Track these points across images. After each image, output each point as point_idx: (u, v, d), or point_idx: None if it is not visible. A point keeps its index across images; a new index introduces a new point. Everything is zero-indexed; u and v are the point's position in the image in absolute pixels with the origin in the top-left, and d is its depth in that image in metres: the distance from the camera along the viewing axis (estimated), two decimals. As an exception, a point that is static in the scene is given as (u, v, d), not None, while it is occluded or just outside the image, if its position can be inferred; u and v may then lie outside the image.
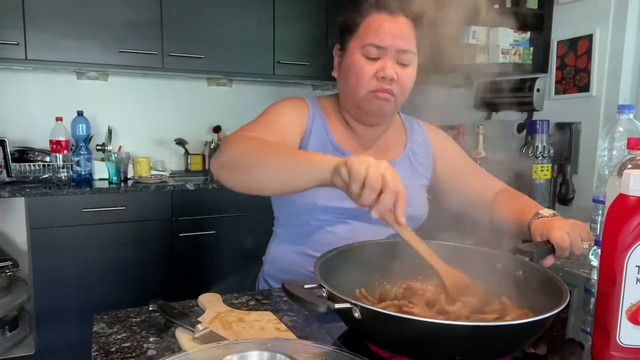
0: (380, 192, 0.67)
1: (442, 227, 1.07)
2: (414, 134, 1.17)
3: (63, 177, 2.31)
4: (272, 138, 0.93)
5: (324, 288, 0.63)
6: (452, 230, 1.06)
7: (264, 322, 0.73)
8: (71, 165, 2.32)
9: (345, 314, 0.60)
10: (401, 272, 0.81)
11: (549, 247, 0.82)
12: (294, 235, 1.06)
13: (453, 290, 0.73)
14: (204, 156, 2.89)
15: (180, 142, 2.85)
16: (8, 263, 2.07)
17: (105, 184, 2.33)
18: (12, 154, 2.32)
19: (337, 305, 0.58)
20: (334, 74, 1.08)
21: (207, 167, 2.82)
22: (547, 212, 0.93)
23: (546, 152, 2.07)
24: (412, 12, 0.98)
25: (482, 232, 1.09)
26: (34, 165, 2.39)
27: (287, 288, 0.60)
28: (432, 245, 0.79)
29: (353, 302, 0.58)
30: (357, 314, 0.57)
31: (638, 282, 0.57)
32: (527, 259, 0.78)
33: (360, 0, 1.00)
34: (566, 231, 0.82)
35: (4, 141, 2.26)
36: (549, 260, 0.82)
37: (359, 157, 0.70)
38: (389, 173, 0.68)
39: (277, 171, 0.83)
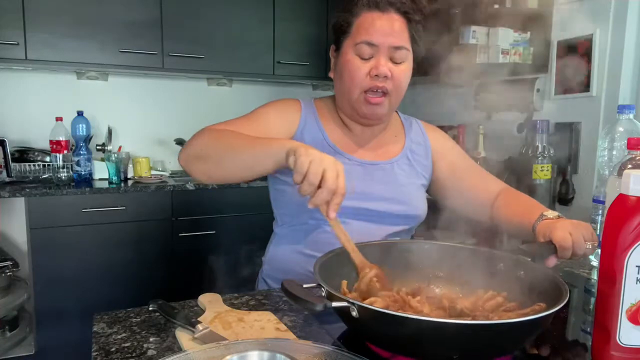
0: (319, 187, 0.72)
1: (442, 227, 1.08)
2: (413, 133, 1.16)
3: (63, 177, 2.31)
4: (248, 131, 0.95)
5: (323, 287, 0.63)
6: (452, 230, 1.06)
7: (264, 322, 0.73)
8: (71, 165, 2.32)
9: (344, 313, 0.60)
10: (401, 272, 0.81)
11: (552, 248, 0.81)
12: (293, 235, 1.06)
13: (365, 283, 0.77)
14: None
15: (180, 142, 2.84)
16: (8, 263, 2.07)
17: (105, 184, 2.33)
18: (12, 154, 2.32)
19: (334, 304, 0.58)
20: (331, 74, 1.09)
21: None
22: (551, 213, 0.92)
23: (546, 152, 2.07)
24: (404, 8, 0.98)
25: (483, 232, 1.09)
26: (34, 165, 2.39)
27: (286, 287, 0.60)
28: (432, 245, 0.80)
29: (351, 300, 0.58)
30: (354, 313, 0.57)
31: (638, 282, 0.57)
32: (529, 259, 0.77)
33: (352, 0, 1.00)
34: (568, 231, 0.81)
35: (4, 141, 2.26)
36: (552, 261, 0.81)
37: (307, 149, 0.75)
38: (330, 170, 0.72)
39: (235, 158, 0.87)
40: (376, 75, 0.96)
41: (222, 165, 0.89)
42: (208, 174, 0.92)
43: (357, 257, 0.79)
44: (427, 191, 1.18)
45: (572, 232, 0.82)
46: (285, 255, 1.07)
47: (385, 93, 0.99)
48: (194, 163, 0.93)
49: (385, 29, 0.96)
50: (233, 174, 0.90)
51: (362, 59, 0.98)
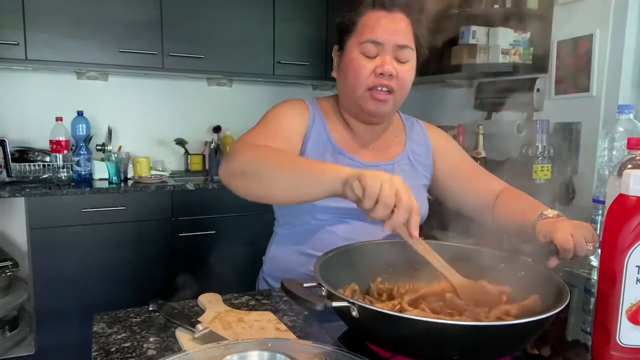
0: (393, 208, 0.68)
1: (443, 227, 1.07)
2: (414, 133, 1.16)
3: (63, 177, 2.31)
4: (278, 143, 0.94)
5: (323, 287, 0.63)
6: (452, 230, 1.06)
7: (264, 322, 0.73)
8: (71, 165, 2.32)
9: (344, 313, 0.60)
10: (401, 272, 0.81)
11: (553, 249, 0.81)
12: (294, 235, 1.06)
13: (468, 301, 0.73)
14: (204, 156, 2.90)
15: (180, 142, 2.85)
16: (8, 263, 2.07)
17: (105, 184, 2.33)
18: (12, 154, 2.32)
19: (334, 304, 0.58)
20: (334, 74, 1.09)
21: (207, 167, 2.82)
22: (551, 212, 0.92)
23: (546, 152, 2.07)
24: (409, 9, 0.98)
25: (483, 232, 1.09)
26: (34, 165, 2.39)
27: (285, 286, 0.60)
28: (433, 245, 0.79)
29: (351, 300, 0.58)
30: (354, 313, 0.57)
31: (638, 282, 0.57)
32: (530, 259, 0.77)
33: (357, 0, 1.00)
34: (570, 232, 0.81)
35: (4, 141, 2.26)
36: (553, 262, 0.81)
37: (373, 172, 0.71)
38: (402, 190, 0.69)
39: (289, 182, 0.83)
40: (381, 74, 0.97)
41: (271, 186, 0.86)
42: (253, 194, 0.89)
43: (452, 276, 0.75)
44: (428, 191, 1.18)
45: (573, 233, 0.81)
46: (286, 256, 1.07)
47: (390, 91, 0.99)
48: (237, 179, 0.89)
49: (390, 28, 0.97)
50: (280, 197, 0.88)
51: (367, 57, 0.98)
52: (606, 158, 1.11)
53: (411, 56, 1.00)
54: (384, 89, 0.98)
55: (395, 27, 0.97)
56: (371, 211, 0.69)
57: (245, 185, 0.88)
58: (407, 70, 1.00)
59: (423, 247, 0.74)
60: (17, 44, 2.22)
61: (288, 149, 0.98)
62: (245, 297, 0.86)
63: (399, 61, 0.99)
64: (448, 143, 1.20)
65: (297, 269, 1.03)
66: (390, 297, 0.76)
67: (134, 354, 0.64)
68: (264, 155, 0.88)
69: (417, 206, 0.69)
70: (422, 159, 1.14)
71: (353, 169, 0.75)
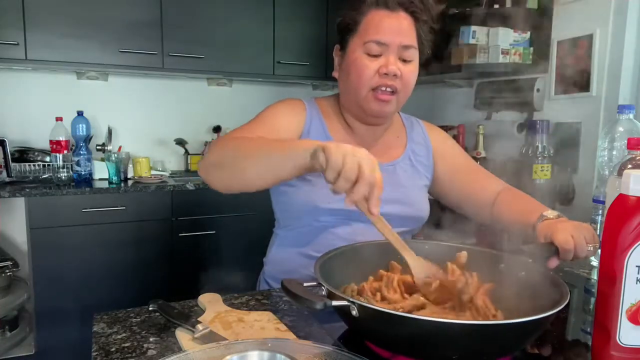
0: (356, 182, 0.67)
1: (443, 227, 1.07)
2: (414, 133, 1.16)
3: (63, 177, 2.31)
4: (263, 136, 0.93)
5: (323, 286, 0.63)
6: (452, 230, 1.06)
7: (264, 322, 0.73)
8: (71, 165, 2.32)
9: (344, 312, 0.60)
10: (401, 271, 0.81)
11: (553, 249, 0.82)
12: (295, 237, 1.06)
13: (418, 279, 0.75)
14: (203, 156, 2.89)
15: (180, 142, 2.85)
16: (8, 263, 2.07)
17: (105, 184, 2.33)
18: (12, 154, 2.31)
19: (334, 303, 0.58)
20: (335, 74, 1.08)
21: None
22: (551, 213, 0.92)
23: (546, 152, 2.07)
24: (412, 8, 0.98)
25: (483, 232, 1.09)
26: (34, 165, 2.39)
27: (286, 286, 0.60)
28: (433, 245, 0.80)
29: (351, 299, 0.58)
30: (354, 312, 0.57)
31: (638, 282, 0.57)
32: (530, 260, 0.77)
33: None
34: (570, 233, 0.81)
35: (4, 141, 2.26)
36: (553, 262, 0.81)
37: (337, 144, 0.70)
38: (365, 163, 0.67)
39: (260, 165, 0.84)
40: (385, 74, 0.96)
41: (241, 172, 0.86)
42: (227, 183, 0.89)
43: (407, 255, 0.76)
44: (428, 191, 1.18)
45: (574, 234, 0.81)
46: (288, 257, 1.07)
47: (394, 91, 0.98)
48: (212, 172, 0.90)
49: (394, 28, 0.96)
50: (252, 181, 0.87)
51: (371, 56, 0.97)
52: (606, 158, 1.11)
53: (415, 56, 1.00)
54: (388, 89, 0.98)
55: (399, 27, 0.96)
56: (334, 184, 0.68)
57: (220, 177, 0.89)
58: (411, 70, 1.00)
59: (382, 225, 0.74)
60: (17, 44, 2.22)
61: None
62: (245, 297, 0.86)
63: (403, 61, 0.98)
64: (448, 143, 1.20)
65: (298, 270, 1.03)
66: (384, 298, 0.76)
67: (134, 354, 0.64)
68: (235, 146, 0.88)
69: (379, 180, 0.68)
70: (422, 159, 1.14)
71: (320, 142, 0.74)
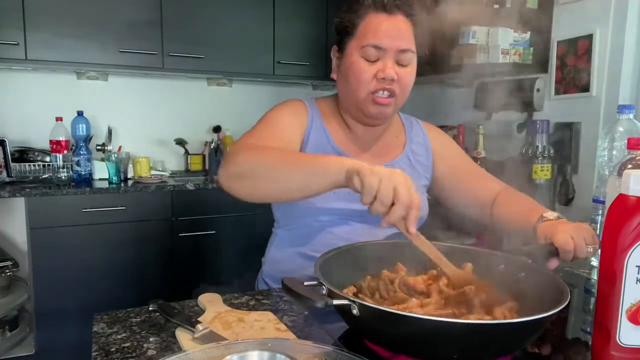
0: (392, 204, 0.68)
1: (442, 227, 1.07)
2: (413, 133, 1.16)
3: (63, 177, 2.31)
4: (276, 144, 0.93)
5: (324, 285, 0.63)
6: (452, 230, 1.06)
7: (264, 322, 0.73)
8: (71, 165, 2.32)
9: (344, 311, 0.60)
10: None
11: (553, 250, 0.82)
12: (294, 237, 1.06)
13: (459, 291, 0.73)
14: (204, 156, 2.89)
15: (180, 142, 2.85)
16: (8, 263, 2.07)
17: (105, 184, 2.33)
18: (12, 154, 2.31)
19: (335, 302, 0.58)
20: (333, 75, 1.08)
21: (207, 167, 2.82)
22: (551, 214, 0.92)
23: (546, 152, 2.07)
24: (410, 11, 0.98)
25: (483, 233, 1.09)
26: (34, 165, 2.39)
27: (286, 284, 0.60)
28: (434, 245, 0.79)
29: (351, 298, 0.58)
30: (355, 311, 0.57)
31: (638, 282, 0.57)
32: (530, 260, 0.78)
33: (357, 1, 0.99)
34: (570, 234, 0.81)
35: (4, 141, 2.26)
36: (553, 263, 0.82)
37: (372, 168, 0.71)
38: (401, 186, 0.68)
39: (292, 179, 0.82)
40: (383, 79, 0.96)
41: (272, 185, 0.85)
42: (255, 194, 0.87)
43: (448, 268, 0.75)
44: (427, 191, 1.18)
45: (573, 235, 0.81)
46: (286, 257, 1.07)
47: (391, 95, 0.99)
48: (238, 182, 0.88)
49: (392, 32, 0.96)
50: (282, 194, 0.87)
51: (368, 61, 0.97)
52: (606, 158, 1.11)
53: (412, 59, 1.00)
54: (386, 92, 0.98)
55: (397, 32, 0.97)
56: (370, 206, 0.69)
57: (246, 187, 0.87)
58: (409, 73, 1.00)
59: (421, 242, 0.74)
60: (17, 44, 2.22)
61: None
62: (245, 297, 0.86)
63: (400, 64, 0.98)
64: (447, 143, 1.20)
65: (296, 270, 1.03)
66: (382, 296, 0.76)
67: (134, 354, 0.64)
68: (262, 155, 0.87)
69: (417, 201, 0.69)
70: (421, 159, 1.14)
71: (354, 161, 0.75)
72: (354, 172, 0.72)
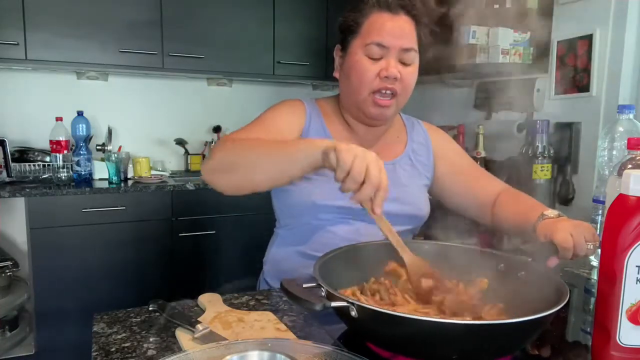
0: (363, 183, 0.70)
1: (443, 227, 1.07)
2: (415, 133, 1.17)
3: (63, 177, 2.31)
4: (265, 137, 0.94)
5: (322, 287, 0.63)
6: (452, 230, 1.06)
7: (264, 322, 0.73)
8: (71, 165, 2.32)
9: (343, 313, 0.60)
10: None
11: (553, 248, 0.81)
12: (295, 236, 1.06)
13: (414, 282, 0.77)
14: (204, 156, 2.90)
15: (180, 142, 2.85)
16: (8, 263, 2.07)
17: (105, 184, 2.33)
18: (12, 154, 2.31)
19: (333, 304, 0.58)
20: (336, 74, 1.08)
21: (207, 167, 2.82)
22: (552, 212, 0.92)
23: (546, 152, 2.07)
24: (413, 10, 0.98)
25: (483, 233, 1.09)
26: (34, 165, 2.39)
27: (285, 286, 0.60)
28: (433, 245, 0.79)
29: (350, 300, 0.58)
30: (354, 313, 0.57)
31: (638, 282, 0.57)
32: (530, 259, 0.78)
33: (361, 0, 1.00)
34: (569, 232, 0.81)
35: (4, 141, 2.26)
36: (553, 261, 0.82)
37: (348, 145, 0.73)
38: (373, 166, 0.71)
39: (269, 166, 0.84)
40: (385, 77, 0.96)
41: (252, 174, 0.86)
42: (236, 185, 0.89)
43: (405, 254, 0.78)
44: (428, 191, 1.18)
45: (573, 232, 0.81)
46: (287, 256, 1.07)
47: (393, 95, 0.99)
48: (219, 175, 0.89)
49: (396, 31, 0.97)
50: (263, 181, 0.87)
51: (371, 59, 0.97)
52: (606, 158, 1.11)
53: (415, 58, 1.00)
54: (388, 92, 0.98)
55: (401, 31, 0.97)
56: (342, 183, 0.72)
57: (226, 180, 0.89)
58: (411, 73, 1.00)
59: (383, 224, 0.77)
60: (17, 44, 2.22)
61: None
62: (245, 297, 0.86)
63: (403, 63, 0.98)
64: (449, 144, 1.20)
65: (297, 269, 1.03)
66: (382, 297, 0.76)
67: (134, 354, 0.64)
68: (239, 146, 0.89)
69: (385, 183, 0.71)
70: (422, 159, 1.14)
71: (330, 140, 0.78)
72: (330, 149, 0.74)
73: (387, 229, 0.78)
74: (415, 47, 0.99)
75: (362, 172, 0.70)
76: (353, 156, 0.71)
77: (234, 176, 0.88)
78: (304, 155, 0.79)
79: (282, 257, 1.09)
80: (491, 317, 0.68)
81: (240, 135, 0.95)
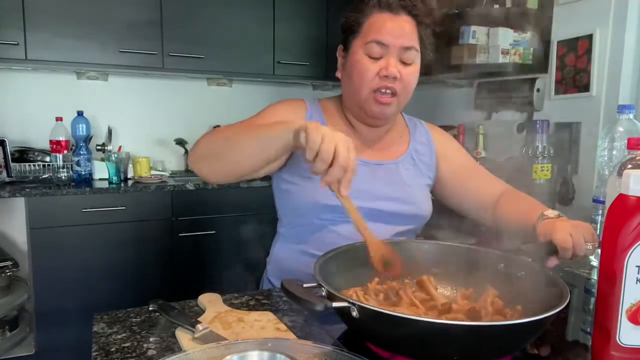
0: (331, 164, 0.71)
1: (443, 227, 1.08)
2: (417, 133, 1.17)
3: (63, 177, 2.31)
4: None
5: (323, 287, 0.63)
6: (453, 230, 1.07)
7: (264, 322, 0.73)
8: (71, 165, 2.32)
9: (344, 313, 0.60)
10: (404, 272, 0.81)
11: (552, 248, 0.82)
12: (297, 235, 1.06)
13: (376, 261, 0.79)
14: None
15: (180, 142, 2.84)
16: (8, 263, 2.07)
17: (105, 184, 2.33)
18: (12, 154, 2.31)
19: (334, 304, 0.58)
20: (338, 74, 1.08)
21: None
22: (552, 213, 0.92)
23: (546, 152, 2.07)
24: (414, 11, 0.98)
25: (484, 232, 1.09)
26: (34, 165, 2.39)
27: (285, 287, 0.60)
28: (433, 245, 0.79)
29: (351, 301, 0.58)
30: (354, 313, 0.57)
31: (638, 282, 0.57)
32: (529, 259, 0.78)
33: (363, 0, 1.00)
34: (569, 232, 0.81)
35: (4, 141, 2.26)
36: (552, 262, 0.82)
37: (317, 126, 0.74)
38: (341, 145, 0.71)
39: (247, 149, 0.86)
40: (385, 76, 0.97)
41: (229, 159, 0.89)
42: (216, 172, 0.92)
43: (368, 236, 0.80)
44: (430, 191, 1.18)
45: (572, 233, 0.81)
46: (290, 255, 1.07)
47: (394, 94, 0.99)
48: (201, 163, 0.93)
49: (396, 31, 0.97)
50: (241, 167, 0.90)
51: (372, 58, 0.98)
52: (606, 158, 1.11)
53: (416, 58, 1.00)
54: (388, 91, 0.98)
55: (401, 30, 0.97)
56: (312, 164, 0.72)
57: (210, 167, 0.92)
58: (411, 72, 1.00)
59: (349, 205, 0.78)
60: (17, 44, 2.22)
61: None
62: (245, 297, 0.86)
63: (404, 63, 0.99)
64: (451, 144, 1.21)
65: (300, 269, 1.03)
66: (386, 297, 0.76)
67: (134, 354, 0.64)
68: (218, 134, 0.92)
69: (352, 164, 0.72)
70: (425, 159, 1.14)
71: (302, 121, 0.79)
72: (301, 129, 0.75)
73: (352, 211, 0.78)
74: (416, 46, 0.99)
75: (331, 152, 0.71)
76: (322, 136, 0.71)
77: (215, 164, 0.91)
78: (278, 136, 0.81)
79: (285, 256, 1.09)
80: (490, 316, 0.68)
81: (232, 127, 0.97)
